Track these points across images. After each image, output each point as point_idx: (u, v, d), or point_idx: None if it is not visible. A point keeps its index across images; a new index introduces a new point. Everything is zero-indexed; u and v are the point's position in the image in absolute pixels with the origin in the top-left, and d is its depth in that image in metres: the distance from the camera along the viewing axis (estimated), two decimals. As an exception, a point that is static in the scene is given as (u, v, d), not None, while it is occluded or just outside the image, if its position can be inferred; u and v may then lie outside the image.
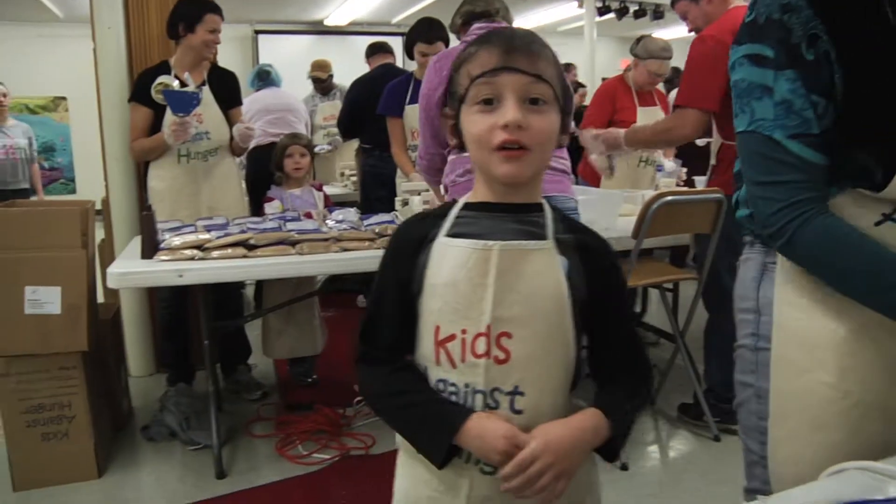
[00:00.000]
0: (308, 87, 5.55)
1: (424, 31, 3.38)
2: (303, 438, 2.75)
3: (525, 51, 0.98)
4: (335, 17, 9.40)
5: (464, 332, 1.00)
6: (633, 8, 8.16)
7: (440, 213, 1.08)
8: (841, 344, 1.10)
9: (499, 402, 1.00)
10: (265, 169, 3.51)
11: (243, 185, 3.36)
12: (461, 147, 1.05)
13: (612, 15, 8.13)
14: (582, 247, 1.05)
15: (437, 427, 1.00)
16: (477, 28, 2.27)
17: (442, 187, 2.40)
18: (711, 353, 2.80)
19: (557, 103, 1.00)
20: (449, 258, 1.02)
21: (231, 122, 3.11)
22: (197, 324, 3.15)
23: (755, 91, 1.08)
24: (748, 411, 1.29)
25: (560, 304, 1.01)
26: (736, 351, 1.32)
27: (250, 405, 3.12)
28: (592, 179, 3.79)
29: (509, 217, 1.03)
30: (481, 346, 0.99)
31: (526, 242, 1.01)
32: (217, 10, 2.99)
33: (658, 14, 8.27)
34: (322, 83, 5.44)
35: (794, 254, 1.11)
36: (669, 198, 2.45)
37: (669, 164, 3.44)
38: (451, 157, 2.25)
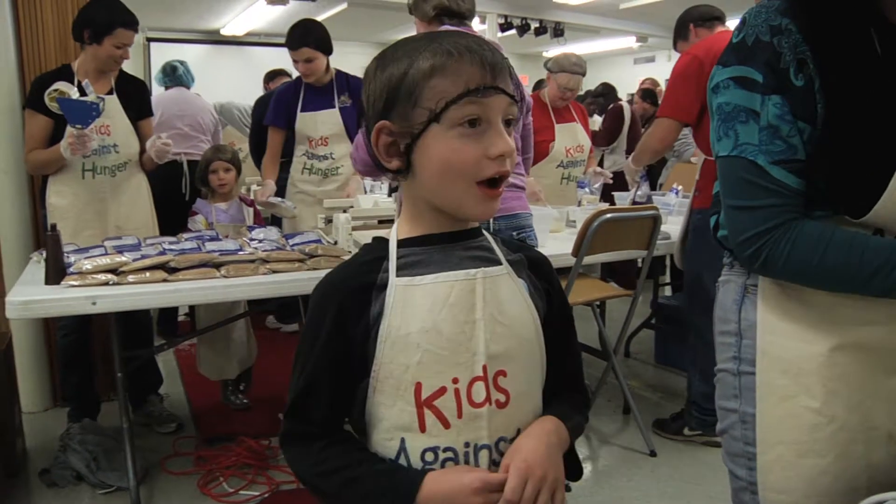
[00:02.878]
0: (205, 95, 5.16)
1: (289, 38, 3.23)
2: (227, 474, 2.56)
3: (504, 68, 0.87)
4: (232, 26, 9.09)
5: (455, 381, 0.87)
6: (534, 25, 8.32)
7: (371, 258, 0.92)
8: (825, 368, 1.10)
9: (504, 453, 0.88)
10: (166, 186, 3.31)
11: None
12: (405, 171, 0.89)
13: (513, 31, 8.26)
14: (532, 264, 0.99)
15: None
16: (445, 30, 2.17)
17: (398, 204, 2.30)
18: (695, 367, 2.82)
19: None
20: (419, 300, 0.88)
21: (141, 135, 2.89)
22: (101, 352, 2.92)
23: (741, 115, 1.07)
24: (733, 437, 1.27)
25: (536, 329, 0.94)
26: (717, 375, 1.30)
27: (164, 440, 2.88)
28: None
29: (458, 246, 0.92)
30: (480, 392, 0.87)
31: (493, 269, 0.92)
32: (131, 25, 2.73)
33: (558, 32, 8.47)
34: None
35: (773, 272, 1.11)
36: (609, 215, 2.46)
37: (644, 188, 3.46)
38: None
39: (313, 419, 0.91)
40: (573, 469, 0.99)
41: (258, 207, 3.29)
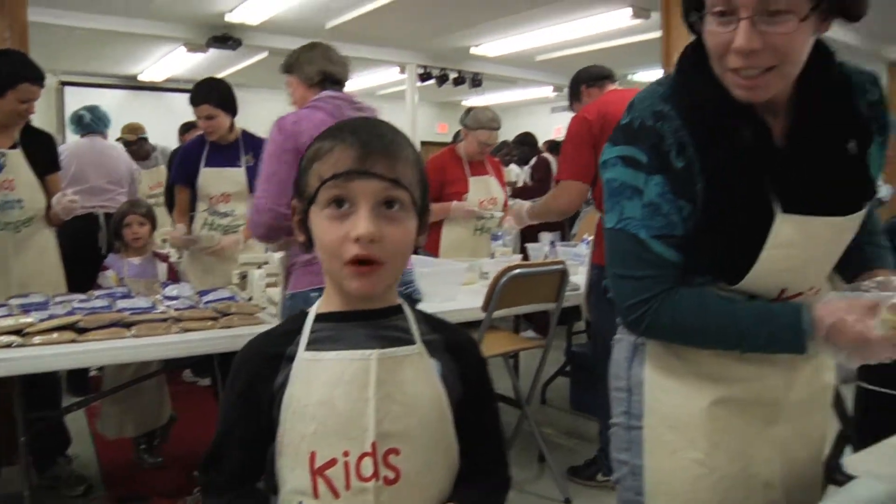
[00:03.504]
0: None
1: (192, 94, 3.28)
2: (137, 538, 2.49)
3: (384, 152, 0.91)
4: (150, 72, 8.98)
5: (346, 454, 0.91)
6: (452, 76, 8.54)
7: (290, 329, 0.99)
8: (707, 422, 1.20)
9: None
10: (81, 241, 3.24)
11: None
12: (309, 245, 0.97)
13: (432, 81, 8.46)
14: (450, 346, 1.03)
15: None
16: (331, 97, 2.23)
17: (284, 269, 2.30)
18: (604, 413, 2.89)
19: (415, 207, 0.95)
20: (319, 374, 0.94)
21: (48, 190, 2.84)
22: (3, 414, 2.80)
23: (626, 191, 1.15)
24: (625, 487, 1.35)
25: (441, 410, 0.98)
26: (611, 428, 1.38)
27: (71, 503, 2.78)
28: (430, 247, 3.86)
29: (371, 325, 0.97)
30: (368, 468, 0.91)
31: (399, 349, 0.96)
32: (36, 80, 2.68)
33: (476, 82, 8.71)
34: (131, 146, 4.87)
35: (656, 336, 1.21)
36: (517, 271, 2.56)
37: (547, 237, 3.56)
38: None
39: (224, 471, 0.98)
40: None
41: (171, 259, 3.26)
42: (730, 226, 1.11)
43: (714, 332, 1.14)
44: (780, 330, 1.10)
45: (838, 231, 1.16)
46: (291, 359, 0.95)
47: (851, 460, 1.09)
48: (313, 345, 0.96)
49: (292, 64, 2.35)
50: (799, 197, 1.10)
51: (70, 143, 4.12)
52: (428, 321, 1.04)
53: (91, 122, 4.17)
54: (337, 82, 2.31)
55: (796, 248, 1.11)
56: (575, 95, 3.16)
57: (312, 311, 1.00)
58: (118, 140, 4.98)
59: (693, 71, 1.13)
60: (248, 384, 0.97)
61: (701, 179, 1.11)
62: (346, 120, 0.98)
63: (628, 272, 1.17)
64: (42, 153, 2.86)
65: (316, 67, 2.30)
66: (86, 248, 3.66)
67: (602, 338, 2.78)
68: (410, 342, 0.98)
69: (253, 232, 2.26)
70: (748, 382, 1.20)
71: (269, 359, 0.96)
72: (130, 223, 3.07)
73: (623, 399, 1.33)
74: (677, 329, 1.16)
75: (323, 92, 2.26)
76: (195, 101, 3.24)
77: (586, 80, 3.10)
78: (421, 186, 0.97)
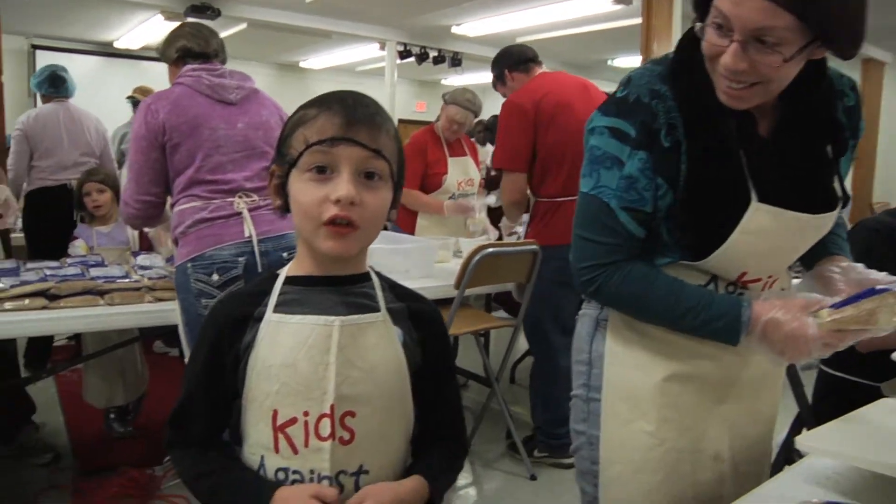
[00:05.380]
0: (94, 111, 4.77)
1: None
2: (106, 506, 2.50)
3: (367, 122, 0.95)
4: (127, 39, 8.80)
5: (306, 414, 0.96)
6: (432, 54, 8.49)
7: (260, 290, 1.03)
8: (659, 396, 1.26)
9: (343, 484, 0.98)
10: (53, 214, 3.21)
11: None
12: (284, 209, 1.01)
13: (412, 59, 8.42)
14: (414, 315, 1.06)
15: None
16: (191, 70, 2.25)
17: (170, 240, 2.35)
18: (537, 395, 2.97)
19: (392, 179, 0.99)
20: (284, 336, 0.98)
21: None
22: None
23: (607, 161, 1.19)
24: (582, 457, 1.41)
25: (400, 377, 1.02)
26: (571, 400, 1.43)
27: (38, 472, 2.77)
28: (404, 223, 3.88)
29: (338, 290, 1.01)
30: (326, 428, 0.96)
31: (363, 316, 1.00)
32: None
33: (456, 61, 8.66)
34: None
35: (602, 299, 1.27)
36: (490, 249, 2.59)
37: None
38: (178, 208, 2.19)
39: (191, 429, 1.02)
40: None
41: (150, 235, 3.24)
42: (706, 207, 1.16)
43: (655, 305, 1.19)
44: (717, 318, 1.15)
45: (808, 227, 1.21)
46: (259, 320, 0.99)
47: (803, 439, 1.14)
48: (281, 307, 1.00)
49: (161, 52, 2.40)
50: (775, 189, 1.15)
51: (41, 110, 3.93)
52: (394, 290, 1.08)
53: (70, 87, 4.04)
54: (197, 56, 2.32)
55: (765, 237, 1.16)
56: (499, 78, 3.14)
57: (283, 274, 1.04)
58: (128, 98, 4.99)
59: (691, 56, 1.16)
60: (217, 344, 1.00)
61: (685, 160, 1.15)
62: (333, 91, 1.01)
63: (592, 236, 1.21)
64: None
65: (174, 46, 2.34)
66: (60, 220, 3.59)
67: (534, 319, 2.88)
68: (375, 309, 1.02)
69: (130, 225, 2.30)
70: (703, 360, 1.25)
71: (237, 320, 1.00)
72: (90, 191, 3.07)
73: (584, 372, 1.38)
74: (623, 296, 1.21)
75: (185, 67, 2.29)
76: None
77: (510, 63, 3.08)
78: (398, 161, 1.01)
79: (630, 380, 1.28)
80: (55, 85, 4.03)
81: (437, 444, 1.10)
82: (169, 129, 2.14)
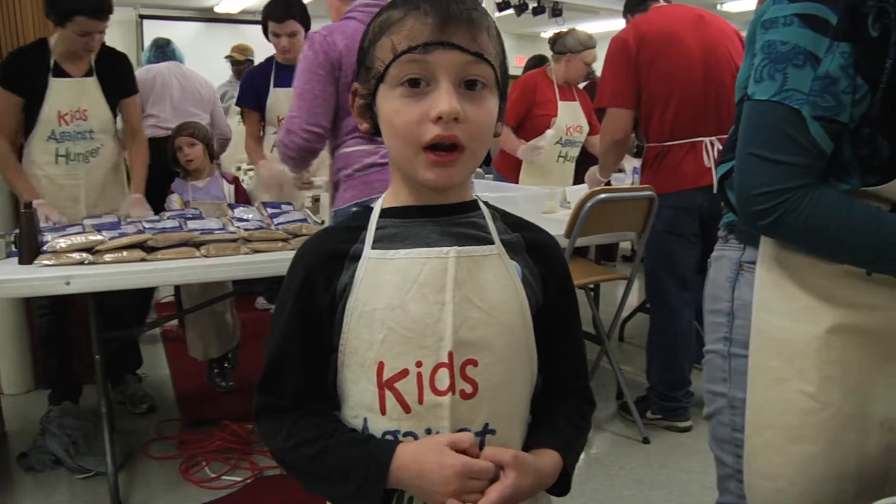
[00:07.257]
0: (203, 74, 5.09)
1: (274, 9, 3.10)
2: (209, 459, 2.50)
3: (466, 21, 0.78)
4: (226, 4, 8.96)
5: (419, 364, 0.81)
6: (532, 4, 8.18)
7: (355, 225, 0.87)
8: (821, 351, 1.05)
9: None
10: (155, 165, 3.20)
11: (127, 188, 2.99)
12: (374, 132, 0.86)
13: (511, 11, 8.14)
14: (531, 246, 0.90)
15: (359, 476, 0.81)
16: (362, 4, 2.08)
17: (331, 184, 2.22)
18: (654, 354, 2.78)
19: (497, 87, 0.83)
20: (389, 274, 0.82)
21: (126, 113, 2.82)
22: (82, 333, 2.86)
23: (798, 57, 0.97)
24: (720, 422, 1.22)
25: (523, 318, 0.86)
26: (705, 357, 1.24)
27: (146, 423, 2.82)
28: (507, 172, 3.72)
29: (443, 221, 0.85)
30: (444, 380, 0.81)
31: (477, 248, 0.84)
32: (95, 13, 2.51)
33: (557, 11, 8.32)
34: (239, 65, 5.06)
35: (782, 233, 1.04)
36: (603, 195, 2.39)
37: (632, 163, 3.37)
38: (344, 150, 2.07)
39: (284, 392, 0.87)
40: (562, 484, 0.91)
41: (243, 182, 3.20)
42: None
43: (851, 241, 0.98)
44: None
45: None
46: (356, 258, 0.84)
47: None
48: (380, 242, 0.84)
49: None
50: None
51: (152, 65, 3.98)
52: (506, 219, 0.91)
53: (175, 50, 4.09)
54: None
55: None
56: (627, 19, 3.00)
57: (378, 206, 0.88)
58: (226, 58, 5.21)
59: None
60: (307, 287, 0.85)
61: (894, 53, 0.93)
62: None
63: (771, 154, 1.00)
64: (117, 78, 2.80)
65: None
66: (164, 172, 3.64)
67: (652, 275, 2.70)
68: (489, 241, 0.86)
69: (282, 154, 2.14)
70: (876, 311, 1.03)
71: (330, 258, 0.85)
72: (181, 146, 3.03)
73: (723, 324, 1.19)
74: (811, 230, 0.99)
75: (356, 1, 2.13)
76: (281, 17, 3.07)
77: (630, 7, 2.95)
78: (502, 64, 0.84)
79: (785, 331, 1.07)
80: (162, 50, 4.09)
81: (563, 400, 0.94)
82: (346, 67, 2.01)
